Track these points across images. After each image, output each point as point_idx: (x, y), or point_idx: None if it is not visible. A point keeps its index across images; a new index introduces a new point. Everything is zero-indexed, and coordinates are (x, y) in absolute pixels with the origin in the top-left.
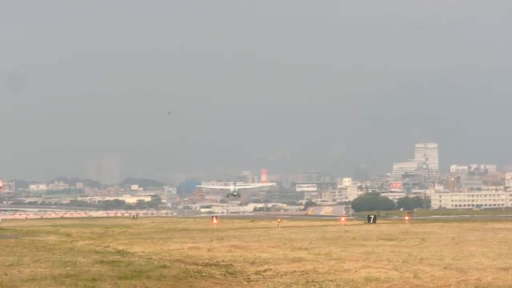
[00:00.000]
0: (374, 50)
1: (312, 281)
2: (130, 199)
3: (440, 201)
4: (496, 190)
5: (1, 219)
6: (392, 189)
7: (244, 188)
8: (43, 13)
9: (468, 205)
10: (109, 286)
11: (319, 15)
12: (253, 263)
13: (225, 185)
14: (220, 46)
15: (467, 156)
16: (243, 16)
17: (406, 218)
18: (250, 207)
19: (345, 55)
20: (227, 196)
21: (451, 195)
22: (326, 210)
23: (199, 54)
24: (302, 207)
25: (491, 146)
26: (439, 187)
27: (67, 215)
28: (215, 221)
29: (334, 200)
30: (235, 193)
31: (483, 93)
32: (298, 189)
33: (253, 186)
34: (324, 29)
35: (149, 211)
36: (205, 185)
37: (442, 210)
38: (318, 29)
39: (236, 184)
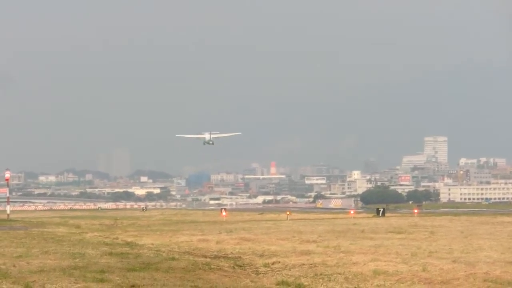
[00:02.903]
0: (383, 43)
1: (321, 274)
2: (139, 191)
3: (449, 194)
4: (506, 183)
5: (10, 211)
6: (401, 182)
7: (218, 137)
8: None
9: (477, 198)
10: (118, 278)
11: (331, 7)
12: (261, 255)
13: (201, 134)
14: (227, 38)
15: (477, 149)
16: (248, 8)
17: (415, 211)
18: (259, 199)
19: (354, 48)
20: (204, 144)
21: (460, 189)
22: (335, 203)
23: (206, 47)
24: (311, 199)
25: (501, 139)
26: (448, 180)
27: (76, 206)
28: (224, 213)
29: (343, 193)
30: (210, 142)
31: (493, 87)
32: (307, 182)
33: (227, 135)
34: (334, 22)
35: (158, 203)
36: (182, 135)
37: (451, 204)
38: (327, 21)
39: (212, 133)
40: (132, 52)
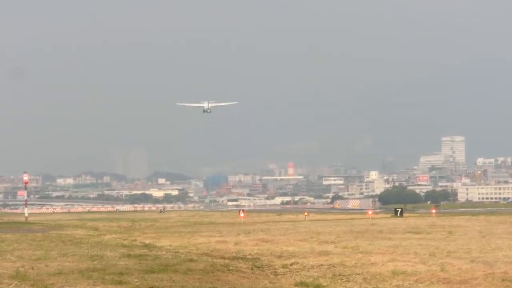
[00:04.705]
0: (399, 40)
1: (339, 274)
2: (157, 193)
3: (467, 194)
4: None
5: (28, 213)
6: (419, 182)
7: (216, 106)
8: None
9: (495, 198)
10: (136, 280)
11: (345, 6)
12: (280, 256)
13: (200, 103)
14: (243, 38)
15: (494, 149)
16: (248, 8)
17: (433, 211)
18: (277, 200)
19: (369, 46)
20: (203, 112)
21: (478, 188)
22: (353, 203)
23: (222, 47)
24: (329, 200)
25: None
26: (466, 180)
27: (94, 209)
28: (242, 214)
29: (361, 193)
30: (208, 110)
31: (510, 85)
32: (325, 182)
33: (225, 104)
34: (348, 19)
35: (176, 205)
36: (182, 104)
37: (468, 203)
38: (340, 20)
39: (210, 102)
40: (133, 52)
